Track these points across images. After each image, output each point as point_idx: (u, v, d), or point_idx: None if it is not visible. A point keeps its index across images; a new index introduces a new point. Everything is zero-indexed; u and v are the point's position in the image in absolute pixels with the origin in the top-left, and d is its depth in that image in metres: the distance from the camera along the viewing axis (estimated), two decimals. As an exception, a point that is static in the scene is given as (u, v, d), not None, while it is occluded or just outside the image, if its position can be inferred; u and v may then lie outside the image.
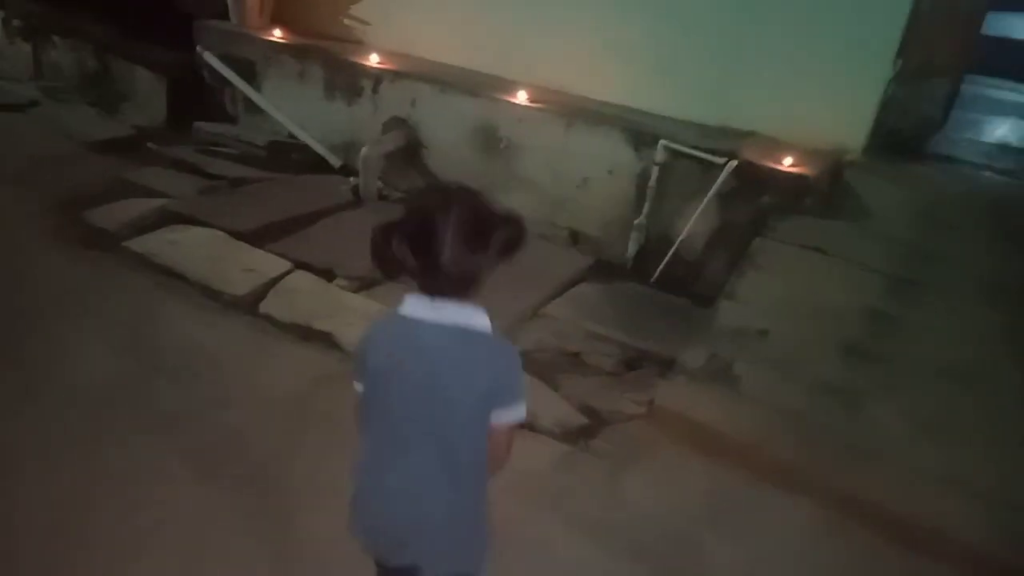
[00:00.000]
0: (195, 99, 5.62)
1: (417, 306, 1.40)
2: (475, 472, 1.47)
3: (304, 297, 3.68)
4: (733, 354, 3.13)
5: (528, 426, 2.75)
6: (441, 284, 1.37)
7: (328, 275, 3.90)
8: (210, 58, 5.52)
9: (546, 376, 3.29)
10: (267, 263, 3.90)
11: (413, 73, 5.08)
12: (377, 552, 1.57)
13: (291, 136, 5.44)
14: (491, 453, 1.46)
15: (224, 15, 5.61)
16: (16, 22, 6.14)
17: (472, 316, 1.40)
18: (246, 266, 3.85)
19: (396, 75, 5.08)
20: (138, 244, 3.96)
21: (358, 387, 1.50)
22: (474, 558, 1.55)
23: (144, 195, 4.53)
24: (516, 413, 1.44)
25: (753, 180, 3.98)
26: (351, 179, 5.02)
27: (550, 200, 4.68)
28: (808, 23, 4.21)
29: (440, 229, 1.31)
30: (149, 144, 5.27)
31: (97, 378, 2.98)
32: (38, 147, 5.17)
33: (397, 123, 5.11)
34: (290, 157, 5.34)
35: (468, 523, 1.51)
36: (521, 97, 4.68)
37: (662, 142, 4.18)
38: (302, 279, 3.83)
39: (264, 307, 3.56)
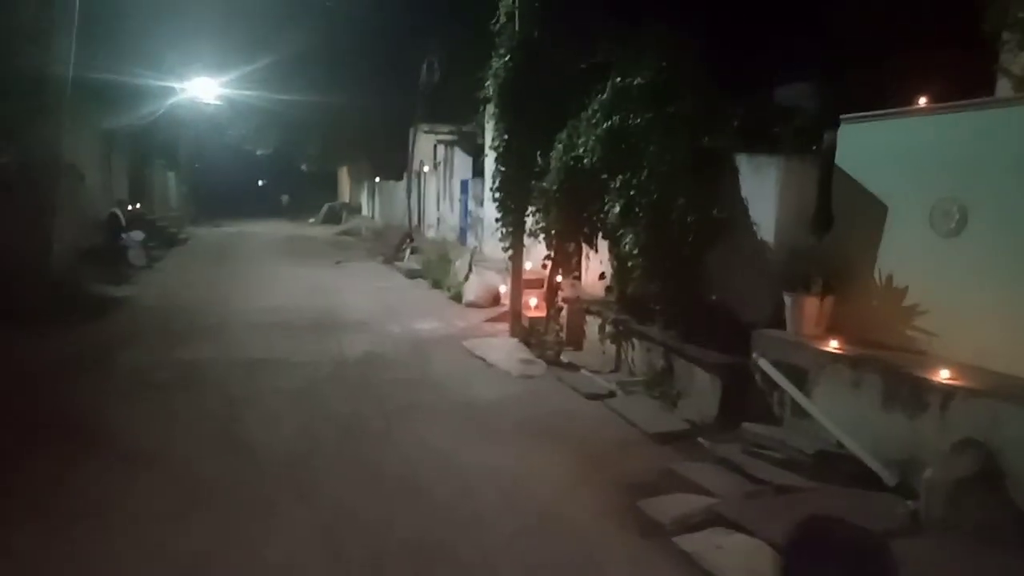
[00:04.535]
0: (745, 400, 5.97)
1: None
2: None
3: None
4: None
5: None
6: None
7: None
8: (763, 363, 5.88)
9: None
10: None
11: (990, 389, 4.45)
12: None
13: (839, 445, 5.21)
14: None
15: (780, 324, 6.01)
16: (608, 328, 7.71)
17: None
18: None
19: (971, 392, 4.53)
20: (686, 543, 4.14)
21: None
22: None
23: (692, 490, 4.82)
24: None
25: None
26: (908, 502, 4.46)
27: None
28: None
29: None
30: (700, 439, 5.71)
31: None
32: (607, 431, 6.12)
33: (971, 444, 4.44)
34: (838, 468, 5.07)
35: None
36: None
37: None
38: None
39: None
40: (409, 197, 20.88)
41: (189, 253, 21.17)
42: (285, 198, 43.79)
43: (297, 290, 13.94)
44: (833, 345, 5.54)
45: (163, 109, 21.05)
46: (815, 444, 5.30)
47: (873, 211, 5.84)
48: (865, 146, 6.02)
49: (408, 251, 17.47)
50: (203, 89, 22.61)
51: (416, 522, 4.49)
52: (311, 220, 36.06)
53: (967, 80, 5.91)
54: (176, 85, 20.87)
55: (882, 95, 5.80)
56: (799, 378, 5.67)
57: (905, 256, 5.61)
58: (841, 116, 6.15)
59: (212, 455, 5.51)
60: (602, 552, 4.19)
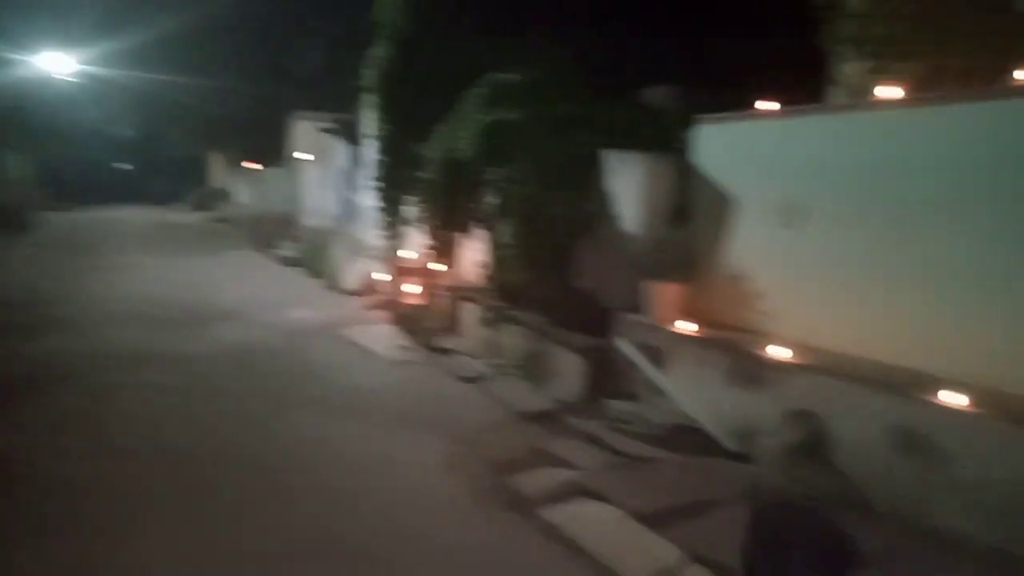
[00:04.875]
0: (608, 380, 6.34)
1: None
2: None
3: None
4: None
5: None
6: None
7: (725, 573, 3.74)
8: (624, 345, 6.28)
9: None
10: (662, 550, 3.94)
11: (819, 365, 5.01)
12: None
13: (691, 418, 5.67)
14: None
15: (639, 309, 6.43)
16: (484, 314, 7.91)
17: None
18: (642, 550, 3.94)
19: (801, 367, 5.07)
20: (551, 513, 4.38)
21: None
22: None
23: (559, 465, 5.10)
24: None
25: None
26: (749, 468, 4.93)
27: (1004, 524, 3.89)
28: None
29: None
30: (566, 417, 6.02)
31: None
32: (479, 413, 6.31)
33: (802, 415, 4.97)
34: (689, 439, 5.52)
35: None
36: (949, 395, 4.21)
37: None
38: (697, 575, 3.73)
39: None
40: (287, 185, 20.29)
41: (42, 241, 19.45)
42: (125, 167, 39.81)
43: (167, 279, 13.18)
44: (686, 328, 6.01)
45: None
46: (670, 418, 5.75)
47: (725, 206, 6.36)
48: (718, 146, 6.54)
49: (285, 239, 17.00)
50: (58, 63, 20.79)
51: (294, 509, 4.49)
52: (181, 206, 34.08)
53: (809, 88, 6.56)
54: (23, 57, 19.08)
55: (736, 100, 6.33)
56: (656, 358, 6.10)
57: (751, 247, 6.16)
58: (697, 117, 6.65)
59: (74, 459, 5.09)
60: (470, 526, 4.36)
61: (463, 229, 8.65)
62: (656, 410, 5.94)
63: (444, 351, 8.24)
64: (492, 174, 7.66)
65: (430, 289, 9.15)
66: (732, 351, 5.54)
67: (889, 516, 4.36)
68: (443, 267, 9.06)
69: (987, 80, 4.98)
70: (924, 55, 5.59)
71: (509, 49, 8.59)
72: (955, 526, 4.06)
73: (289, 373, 7.51)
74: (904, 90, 5.18)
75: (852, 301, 5.33)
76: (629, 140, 7.23)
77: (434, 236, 8.86)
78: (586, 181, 7.32)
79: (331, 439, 5.69)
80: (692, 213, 6.73)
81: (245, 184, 26.93)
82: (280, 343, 8.66)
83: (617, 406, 6.11)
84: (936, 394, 4.28)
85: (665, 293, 6.35)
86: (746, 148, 6.28)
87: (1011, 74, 4.72)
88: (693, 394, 5.76)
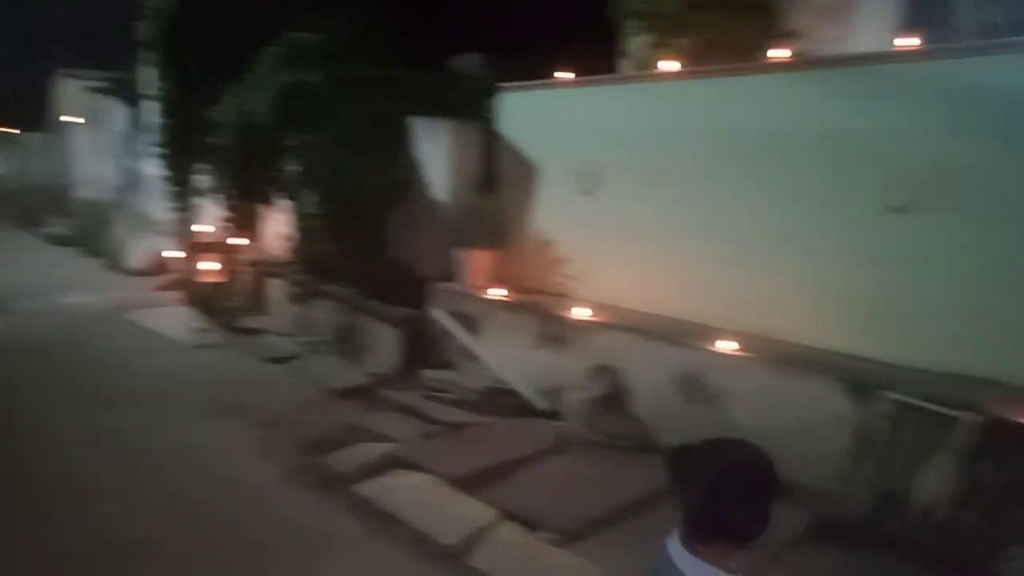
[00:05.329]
0: (424, 350, 6.33)
1: (671, 542, 1.63)
2: None
3: (511, 551, 3.69)
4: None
5: None
6: (687, 528, 1.58)
7: (534, 525, 3.91)
8: (439, 314, 6.29)
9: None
10: (476, 511, 4.03)
11: (618, 324, 5.36)
12: None
13: (504, 382, 5.83)
14: None
15: (453, 278, 6.46)
16: (292, 289, 7.53)
17: (697, 569, 1.53)
18: (456, 514, 4.00)
19: (601, 325, 5.39)
20: (364, 488, 4.31)
21: None
22: None
23: (375, 439, 5.02)
24: None
25: (1004, 438, 3.51)
26: (557, 424, 5.19)
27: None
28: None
29: (698, 475, 1.56)
30: (382, 390, 5.93)
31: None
32: (290, 395, 6.03)
33: (603, 370, 5.31)
34: (503, 402, 5.68)
35: None
36: (724, 344, 4.70)
37: (887, 393, 3.90)
38: (509, 531, 3.87)
39: (473, 560, 3.61)
40: (54, 153, 17.79)
41: None
42: None
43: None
44: (498, 294, 6.14)
45: None
46: (485, 383, 5.87)
47: (529, 173, 6.54)
48: (520, 114, 6.68)
49: (54, 215, 15.00)
50: None
51: (91, 509, 4.10)
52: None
53: (607, 59, 6.85)
54: None
55: (540, 69, 6.47)
56: (470, 325, 6.19)
57: (555, 213, 6.41)
58: (499, 85, 6.73)
59: None
60: (282, 512, 4.18)
61: (264, 199, 8.14)
62: (472, 377, 6.04)
63: (250, 332, 7.75)
64: (292, 140, 7.25)
65: (230, 266, 8.53)
66: (539, 314, 5.76)
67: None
68: (244, 241, 8.48)
69: (749, 56, 5.51)
70: (697, 31, 6.07)
71: (308, 6, 8.08)
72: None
73: (75, 365, 6.69)
74: (680, 63, 5.60)
75: (643, 262, 5.73)
76: (438, 107, 7.16)
77: (231, 208, 8.25)
78: (394, 148, 7.17)
79: (129, 433, 5.19)
80: (500, 180, 6.84)
81: (0, 153, 23.29)
82: (59, 334, 7.66)
83: (434, 375, 6.13)
84: (714, 343, 4.76)
85: (477, 261, 6.43)
86: (546, 116, 6.47)
87: (767, 51, 5.26)
88: (505, 358, 5.93)
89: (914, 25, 5.24)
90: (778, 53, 5.16)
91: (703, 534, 1.57)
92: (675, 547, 1.61)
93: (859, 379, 4.10)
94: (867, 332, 4.51)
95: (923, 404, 3.79)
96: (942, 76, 4.20)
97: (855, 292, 4.57)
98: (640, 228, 5.75)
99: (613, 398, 5.23)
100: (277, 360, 6.80)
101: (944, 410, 3.71)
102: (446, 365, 6.32)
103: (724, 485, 1.55)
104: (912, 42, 4.55)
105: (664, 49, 6.12)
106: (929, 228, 4.25)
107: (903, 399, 3.86)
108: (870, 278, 4.50)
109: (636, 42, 6.64)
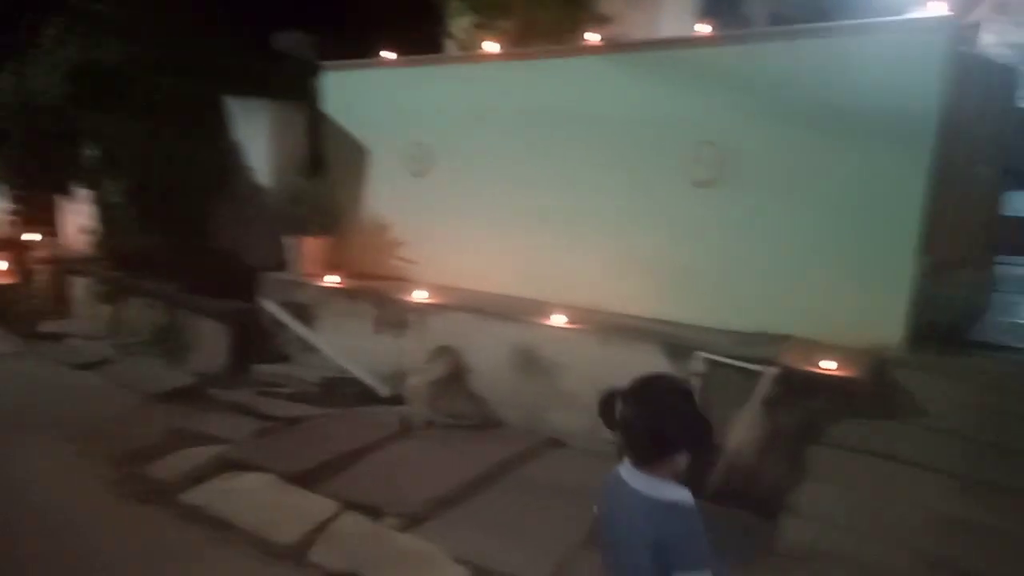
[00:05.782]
0: (255, 344, 6.00)
1: (624, 468, 1.76)
2: None
3: (353, 542, 3.62)
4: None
5: None
6: (637, 452, 1.72)
7: (377, 513, 3.86)
8: (270, 305, 5.99)
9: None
10: (316, 506, 3.90)
11: (455, 304, 5.39)
12: None
13: (343, 371, 5.68)
14: None
15: (284, 267, 6.17)
16: (99, 287, 6.83)
17: (657, 486, 1.67)
18: (296, 511, 3.85)
19: (439, 307, 5.40)
20: (193, 496, 4.03)
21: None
22: None
23: (203, 443, 4.69)
24: None
25: (797, 385, 3.96)
26: (400, 409, 5.15)
27: (593, 415, 4.67)
28: (832, 228, 4.41)
29: (639, 404, 1.71)
30: (210, 390, 5.56)
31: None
32: (105, 403, 5.48)
33: (442, 351, 5.32)
34: (342, 391, 5.54)
35: None
36: (556, 318, 4.88)
37: (699, 353, 4.25)
38: (351, 521, 3.79)
39: (313, 556, 3.51)
40: None
41: None
42: None
43: None
44: (332, 281, 5.95)
45: None
46: (323, 374, 5.68)
47: (359, 155, 6.37)
48: (345, 94, 6.47)
49: None
50: None
51: None
52: None
53: (431, 39, 6.78)
54: None
55: (366, 48, 6.27)
56: (304, 315, 5.95)
57: (387, 195, 6.30)
58: (321, 63, 6.47)
59: None
60: (101, 531, 3.79)
61: (60, 189, 7.29)
62: (309, 368, 5.82)
63: (52, 337, 6.95)
64: (89, 122, 6.54)
65: (24, 265, 7.58)
66: (376, 300, 5.66)
67: (518, 429, 4.95)
68: (38, 236, 7.56)
69: (566, 39, 5.70)
70: (517, 13, 6.18)
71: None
72: (562, 429, 4.78)
73: None
74: (501, 45, 5.67)
75: (478, 242, 5.80)
76: (256, 87, 6.75)
77: (19, 199, 7.31)
78: (209, 131, 6.68)
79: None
80: (328, 164, 6.60)
81: None
82: None
83: (267, 370, 5.84)
84: (547, 318, 4.92)
85: (308, 247, 6.18)
86: (373, 97, 6.32)
87: (583, 34, 5.47)
88: (343, 347, 5.77)
89: (711, 13, 5.67)
90: (592, 37, 5.37)
91: (656, 452, 1.71)
92: (628, 471, 1.75)
93: (675, 342, 4.43)
94: (682, 299, 4.88)
95: (730, 361, 4.16)
96: (731, 62, 4.59)
97: (670, 263, 4.92)
98: (473, 208, 5.80)
99: (454, 378, 5.27)
100: (87, 366, 6.15)
101: (748, 365, 4.10)
102: (281, 358, 6.05)
103: (665, 403, 1.75)
104: (706, 29, 4.92)
105: (487, 31, 6.17)
106: (728, 201, 4.66)
107: (713, 357, 4.22)
108: (682, 249, 4.86)
109: (460, 23, 6.64)
